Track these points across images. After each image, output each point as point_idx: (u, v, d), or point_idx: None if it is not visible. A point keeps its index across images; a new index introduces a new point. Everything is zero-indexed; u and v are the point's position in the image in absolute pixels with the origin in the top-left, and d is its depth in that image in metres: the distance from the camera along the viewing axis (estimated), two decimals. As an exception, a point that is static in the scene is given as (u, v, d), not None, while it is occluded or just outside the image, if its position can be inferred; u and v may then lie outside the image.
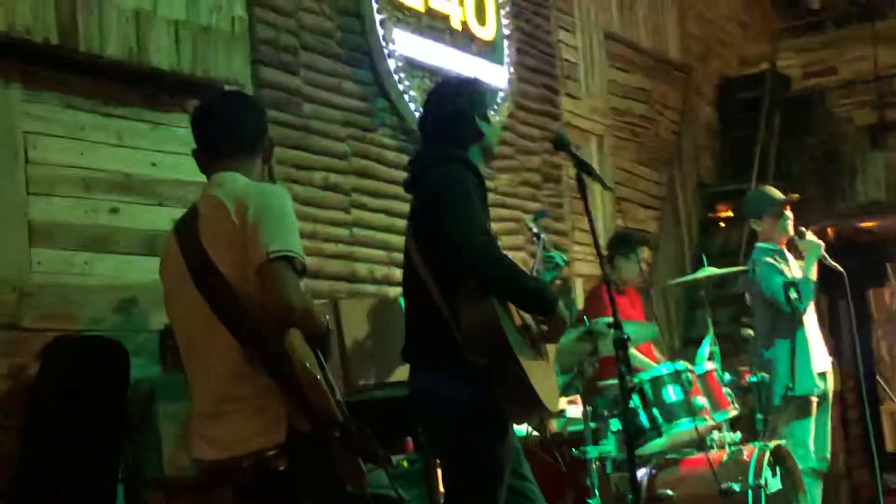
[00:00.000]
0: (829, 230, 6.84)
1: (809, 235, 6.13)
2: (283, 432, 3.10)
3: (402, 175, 6.15)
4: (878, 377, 12.12)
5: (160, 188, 4.47)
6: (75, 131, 4.15)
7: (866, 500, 10.39)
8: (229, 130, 3.31)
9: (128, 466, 3.94)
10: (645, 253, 6.58)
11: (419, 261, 3.76)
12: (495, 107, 4.00)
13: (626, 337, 4.02)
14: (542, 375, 3.83)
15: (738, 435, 5.78)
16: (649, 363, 6.29)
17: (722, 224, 9.91)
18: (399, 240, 6.19)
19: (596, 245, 4.11)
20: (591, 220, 4.03)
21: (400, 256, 6.14)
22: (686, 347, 8.54)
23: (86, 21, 4.02)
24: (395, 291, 6.01)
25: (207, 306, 3.16)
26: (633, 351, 5.90)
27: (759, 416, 6.06)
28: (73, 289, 4.08)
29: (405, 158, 6.36)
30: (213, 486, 3.17)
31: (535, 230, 5.28)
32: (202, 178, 4.60)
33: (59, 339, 3.89)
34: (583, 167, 4.05)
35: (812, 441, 6.14)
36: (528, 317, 3.87)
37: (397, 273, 6.14)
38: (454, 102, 3.88)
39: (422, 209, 3.82)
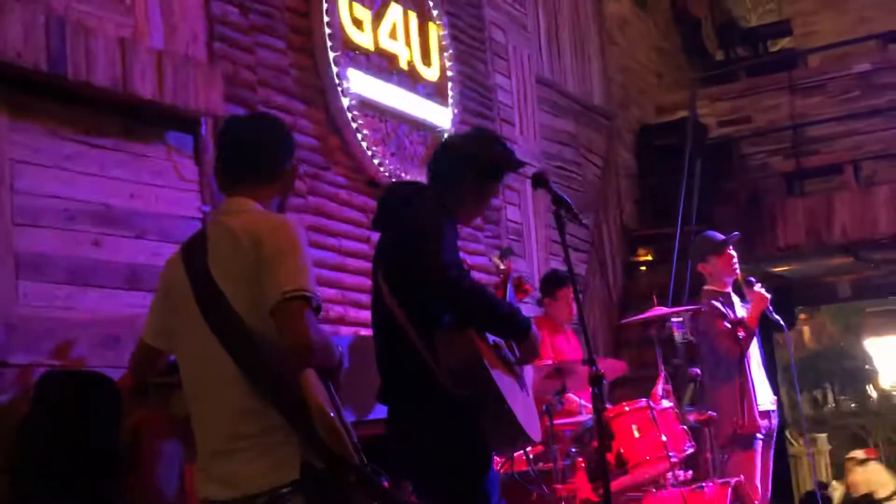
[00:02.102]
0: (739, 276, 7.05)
1: (758, 287, 6.31)
2: (297, 469, 3.04)
3: (354, 214, 6.26)
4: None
5: (140, 220, 4.37)
6: (59, 160, 4.03)
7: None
8: (248, 153, 3.23)
9: (115, 505, 3.81)
10: (568, 291, 6.66)
11: (389, 296, 3.74)
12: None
13: (601, 374, 4.07)
14: (524, 405, 3.85)
15: (690, 472, 5.87)
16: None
17: (643, 268, 10.07)
18: (351, 279, 6.16)
19: (572, 279, 4.15)
20: (567, 257, 4.07)
21: (353, 295, 6.16)
22: (614, 388, 8.61)
23: (74, 48, 3.92)
24: (347, 331, 5.96)
25: (216, 339, 3.08)
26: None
27: (707, 455, 6.20)
28: (57, 322, 3.94)
29: (357, 197, 6.37)
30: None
31: (502, 266, 5.30)
32: (183, 210, 4.58)
33: (50, 373, 3.75)
34: (560, 204, 4.09)
35: (752, 479, 6.25)
36: (500, 343, 3.88)
37: (352, 312, 6.10)
38: (470, 153, 3.91)
39: (394, 246, 3.81)
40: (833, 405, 18.13)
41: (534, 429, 3.87)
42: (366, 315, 6.04)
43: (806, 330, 17.76)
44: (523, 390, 3.96)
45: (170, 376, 3.89)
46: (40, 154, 3.96)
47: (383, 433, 3.88)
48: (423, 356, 3.66)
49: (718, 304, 6.39)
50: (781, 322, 6.41)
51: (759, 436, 6.29)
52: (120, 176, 4.28)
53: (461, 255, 6.94)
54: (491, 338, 3.82)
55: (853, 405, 18.29)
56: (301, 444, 3.01)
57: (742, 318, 6.26)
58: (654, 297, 6.48)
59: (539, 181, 4.10)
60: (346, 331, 5.96)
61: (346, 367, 3.31)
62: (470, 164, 3.92)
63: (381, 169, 6.44)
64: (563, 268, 8.01)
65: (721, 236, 6.57)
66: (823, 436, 15.40)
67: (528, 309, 7.76)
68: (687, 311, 6.63)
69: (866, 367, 18.26)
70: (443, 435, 3.69)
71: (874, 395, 18.38)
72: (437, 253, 3.58)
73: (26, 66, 3.78)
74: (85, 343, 4.04)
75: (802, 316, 16.51)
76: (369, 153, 6.36)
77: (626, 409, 5.44)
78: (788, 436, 13.64)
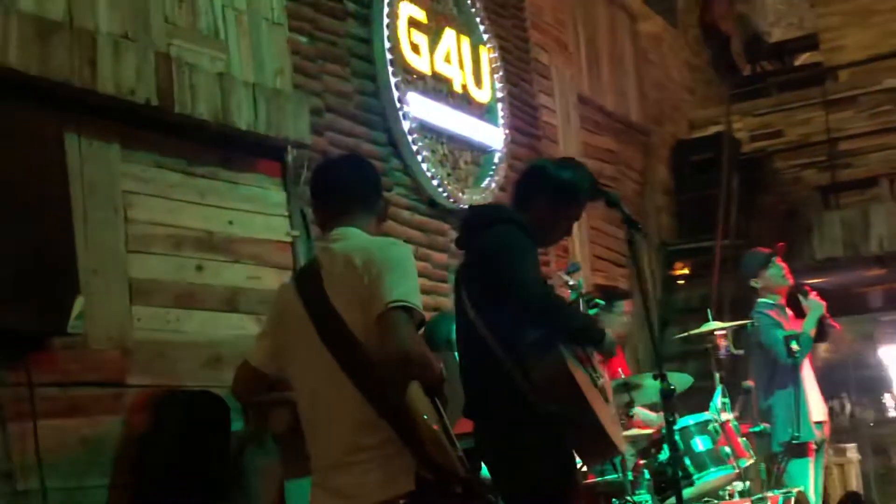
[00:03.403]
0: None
1: (812, 295, 6.47)
2: (412, 481, 3.21)
3: (414, 234, 6.43)
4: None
5: (237, 246, 4.56)
6: (165, 190, 4.23)
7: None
8: (350, 188, 3.47)
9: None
10: (627, 307, 6.80)
11: (475, 314, 3.90)
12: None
13: (672, 387, 4.24)
14: (609, 417, 4.00)
15: (748, 483, 6.01)
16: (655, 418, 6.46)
17: (681, 282, 10.23)
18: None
19: (646, 298, 4.34)
20: (641, 276, 4.25)
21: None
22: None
23: (180, 83, 4.12)
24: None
25: (333, 358, 3.26)
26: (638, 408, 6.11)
27: (762, 465, 6.35)
28: (167, 345, 4.13)
29: (417, 217, 6.55)
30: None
31: (571, 282, 5.47)
32: (274, 234, 4.76)
33: (169, 393, 3.93)
34: (632, 225, 4.27)
35: (807, 488, 6.40)
36: (580, 357, 4.04)
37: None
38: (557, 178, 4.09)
39: (478, 265, 3.98)
40: (850, 415, 18.15)
41: (620, 438, 4.03)
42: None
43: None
44: (608, 402, 4.13)
45: (268, 395, 4.08)
46: (148, 184, 4.16)
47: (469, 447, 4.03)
48: (511, 373, 3.80)
49: (773, 315, 6.55)
50: (838, 327, 6.58)
51: (813, 445, 6.45)
52: (217, 203, 4.48)
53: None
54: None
55: (871, 414, 18.31)
56: (413, 455, 3.18)
57: (797, 333, 6.42)
58: (709, 311, 6.62)
59: (611, 202, 4.29)
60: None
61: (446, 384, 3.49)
62: (552, 189, 4.09)
63: (440, 190, 6.61)
64: (615, 284, 8.27)
65: (766, 250, 6.76)
66: (853, 445, 15.46)
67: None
68: (740, 325, 6.79)
69: (882, 375, 18.31)
70: (528, 449, 3.83)
71: (891, 404, 18.42)
72: (520, 271, 3.76)
73: (139, 102, 3.97)
74: (190, 363, 4.22)
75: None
76: (428, 175, 6.54)
77: (691, 422, 5.58)
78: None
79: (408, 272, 3.26)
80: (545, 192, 4.09)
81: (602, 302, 5.47)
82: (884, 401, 18.28)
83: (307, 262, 3.51)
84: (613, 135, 9.57)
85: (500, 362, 3.83)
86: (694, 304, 9.59)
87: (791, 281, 6.67)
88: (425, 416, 3.14)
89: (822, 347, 17.85)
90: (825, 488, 12.67)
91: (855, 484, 14.56)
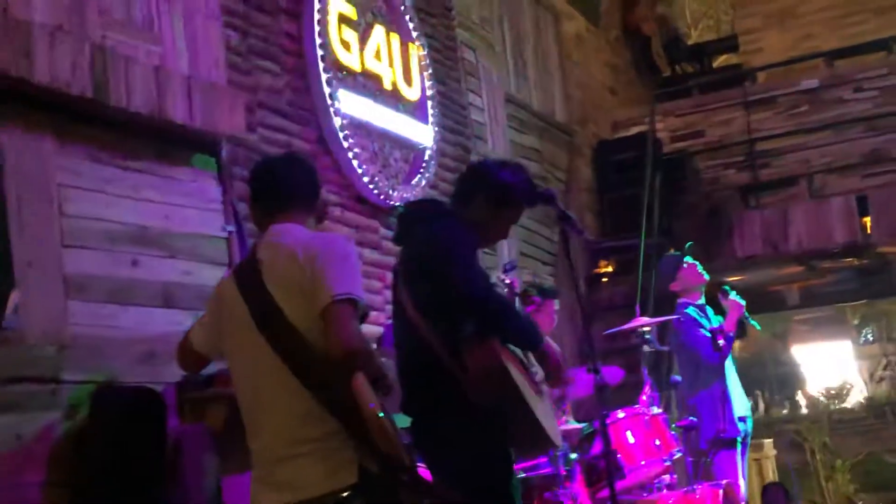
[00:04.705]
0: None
1: (733, 294, 6.61)
2: (355, 473, 3.23)
3: (345, 230, 6.42)
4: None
5: (172, 241, 4.52)
6: (100, 184, 4.18)
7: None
8: (289, 187, 3.51)
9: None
10: (556, 305, 6.87)
11: (412, 309, 3.92)
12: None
13: (606, 382, 4.31)
14: (544, 410, 4.05)
15: (674, 475, 6.12)
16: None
17: (605, 279, 10.33)
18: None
19: (578, 290, 4.41)
20: (572, 269, 4.32)
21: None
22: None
23: (116, 76, 4.08)
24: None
25: (274, 352, 3.27)
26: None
27: (690, 459, 6.47)
28: (102, 341, 4.09)
29: (348, 214, 6.54)
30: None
31: (507, 281, 5.51)
32: (210, 230, 4.73)
33: (104, 389, 3.89)
34: (566, 221, 4.32)
35: (738, 479, 6.54)
36: (519, 353, 4.09)
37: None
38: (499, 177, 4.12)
39: (417, 261, 4.00)
40: (764, 412, 18.48)
41: (556, 433, 4.07)
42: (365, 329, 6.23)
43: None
44: (542, 397, 4.17)
45: (204, 391, 4.07)
46: (83, 178, 4.11)
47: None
48: (448, 367, 3.83)
49: (695, 314, 6.70)
50: (759, 326, 6.75)
51: (738, 439, 6.59)
52: (153, 198, 4.44)
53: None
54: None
55: (785, 411, 18.66)
56: (357, 448, 3.20)
57: (721, 327, 6.55)
58: (637, 307, 6.72)
59: (546, 199, 4.34)
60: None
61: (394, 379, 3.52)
62: (491, 190, 4.11)
63: (371, 187, 6.61)
64: (540, 280, 8.33)
65: (678, 252, 6.93)
66: (769, 441, 15.78)
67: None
68: (666, 320, 6.90)
69: (795, 373, 18.68)
70: (469, 443, 3.85)
71: (804, 401, 18.80)
72: (461, 267, 3.79)
73: (74, 94, 3.93)
74: (125, 360, 4.18)
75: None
76: (359, 171, 6.53)
77: (622, 415, 5.67)
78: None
79: (351, 265, 3.29)
80: (485, 192, 4.11)
81: (539, 298, 5.52)
82: (797, 398, 18.68)
83: (246, 256, 3.49)
84: (539, 134, 9.64)
85: (438, 357, 3.85)
86: (618, 302, 9.68)
87: (706, 277, 6.82)
88: (371, 405, 3.16)
89: (737, 345, 18.21)
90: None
91: (772, 478, 14.87)
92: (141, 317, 4.29)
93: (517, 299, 5.28)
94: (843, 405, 18.14)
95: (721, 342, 6.49)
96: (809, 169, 10.17)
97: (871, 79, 10.29)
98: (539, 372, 4.17)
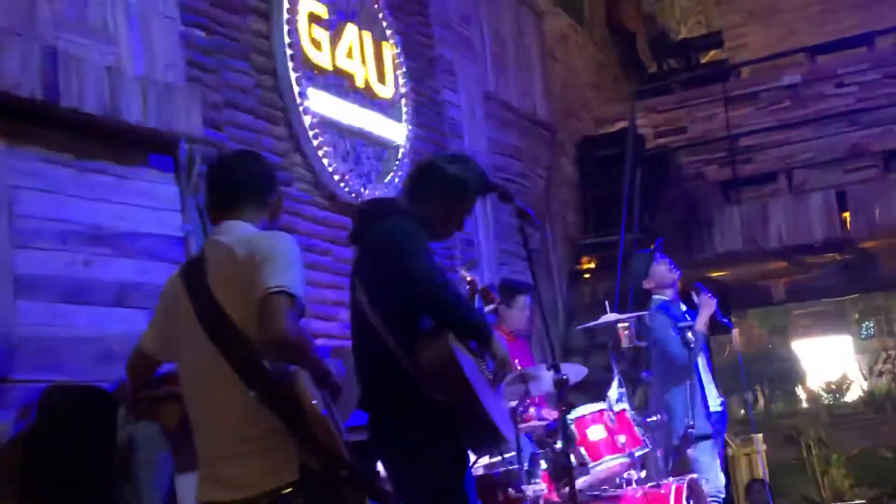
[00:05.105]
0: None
1: (705, 293, 6.64)
2: (296, 471, 3.25)
3: (317, 229, 6.45)
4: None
5: (127, 241, 4.55)
6: (53, 185, 4.20)
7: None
8: (239, 185, 3.51)
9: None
10: (524, 302, 6.90)
11: (368, 306, 3.95)
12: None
13: (566, 378, 4.34)
14: (497, 407, 4.08)
15: (644, 472, 6.14)
16: None
17: (587, 276, 10.36)
18: (315, 292, 6.34)
19: (536, 287, 4.45)
20: (532, 267, 4.36)
21: (317, 308, 6.34)
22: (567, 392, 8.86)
23: (66, 77, 4.10)
24: (318, 343, 6.12)
25: (216, 350, 3.29)
26: None
27: (657, 454, 6.50)
28: (55, 340, 4.11)
29: (319, 212, 6.56)
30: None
31: (469, 278, 5.54)
32: (166, 229, 4.75)
33: (54, 388, 3.91)
34: (524, 217, 4.35)
35: (713, 475, 6.56)
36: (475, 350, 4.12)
37: (317, 326, 6.27)
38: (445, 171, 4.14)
39: (372, 258, 4.03)
40: (763, 407, 18.51)
41: (508, 429, 4.09)
42: (330, 327, 6.26)
43: (735, 333, 18.12)
44: (497, 394, 4.19)
45: (157, 390, 4.08)
46: (35, 179, 4.13)
47: (363, 440, 4.08)
48: (402, 363, 3.86)
49: (666, 312, 6.71)
50: (731, 324, 6.78)
51: (710, 435, 6.60)
52: (108, 198, 4.47)
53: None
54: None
55: (783, 406, 18.70)
56: (297, 445, 3.22)
57: (691, 324, 6.57)
58: (606, 303, 6.74)
59: (504, 196, 4.37)
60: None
61: (343, 376, 3.54)
62: (443, 185, 4.14)
63: (342, 185, 6.64)
64: (518, 277, 8.35)
65: (647, 250, 6.95)
66: (759, 436, 15.78)
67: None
68: (637, 317, 6.92)
69: (795, 368, 18.70)
70: (421, 438, 3.89)
71: (803, 396, 18.82)
72: (415, 263, 3.83)
73: (23, 96, 3.95)
74: (79, 359, 4.20)
75: (732, 320, 16.87)
76: (330, 170, 6.56)
77: (586, 412, 5.69)
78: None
79: (290, 262, 3.29)
80: (435, 187, 4.13)
81: (496, 298, 5.53)
82: (797, 393, 18.70)
83: (194, 254, 3.51)
84: (520, 131, 9.66)
85: (392, 353, 3.88)
86: (600, 298, 9.69)
87: (677, 273, 6.83)
88: (314, 402, 3.19)
89: (737, 341, 18.27)
90: (732, 477, 12.99)
91: (761, 473, 14.89)
92: (95, 317, 4.31)
93: (477, 297, 5.31)
94: (843, 400, 18.17)
95: (691, 339, 6.50)
96: (790, 164, 10.18)
97: (852, 74, 10.30)
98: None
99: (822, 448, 16.28)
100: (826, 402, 18.22)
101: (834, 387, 18.68)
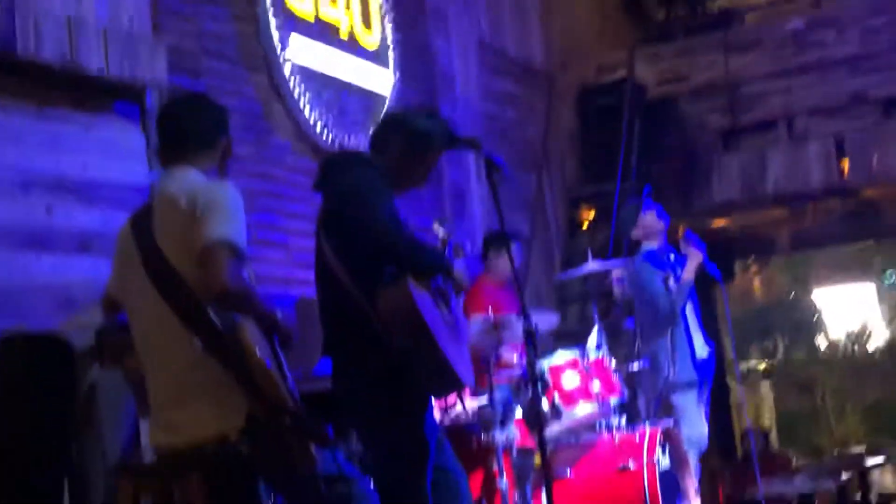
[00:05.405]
0: (680, 228, 7.42)
1: (693, 242, 6.61)
2: (243, 417, 3.29)
3: (300, 178, 6.45)
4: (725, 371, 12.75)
5: (91, 190, 4.57)
6: (13, 134, 4.22)
7: (724, 485, 10.94)
8: (186, 129, 3.51)
9: (74, 462, 4.02)
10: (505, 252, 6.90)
11: (332, 256, 3.99)
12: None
13: (534, 326, 4.35)
14: (458, 352, 4.11)
15: (622, 419, 6.16)
16: None
17: (585, 226, 10.34)
18: (298, 241, 6.36)
19: (507, 242, 4.47)
20: (500, 216, 4.37)
21: (300, 257, 6.37)
22: (558, 341, 8.89)
23: (24, 26, 4.11)
24: (297, 292, 6.16)
25: (161, 298, 3.33)
26: None
27: (640, 401, 6.52)
28: (15, 288, 4.15)
29: (302, 161, 6.57)
30: (178, 472, 3.30)
31: (441, 235, 5.53)
32: (132, 178, 4.78)
33: (9, 336, 3.95)
34: (493, 167, 4.35)
35: (695, 423, 6.57)
36: (437, 296, 4.15)
37: (299, 274, 6.30)
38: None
39: (335, 208, 4.06)
40: (783, 356, 18.47)
41: (467, 374, 4.12)
42: (311, 275, 6.28)
43: (756, 282, 18.08)
44: (458, 339, 4.22)
45: (123, 336, 4.12)
46: (-7, 128, 4.17)
47: (327, 387, 4.13)
48: (363, 308, 3.89)
49: (652, 261, 6.69)
50: (719, 275, 6.75)
51: (694, 383, 6.61)
52: (71, 147, 4.49)
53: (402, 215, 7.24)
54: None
55: (803, 355, 18.64)
56: (244, 393, 3.26)
57: (669, 273, 6.57)
58: (589, 252, 6.73)
59: (471, 144, 4.38)
60: (293, 292, 6.17)
61: (294, 325, 3.57)
62: (408, 138, 4.15)
63: (324, 135, 6.64)
64: (512, 227, 8.34)
65: (636, 199, 6.92)
66: (766, 383, 15.79)
67: (473, 266, 8.03)
68: (618, 266, 6.92)
69: (816, 317, 18.62)
70: (381, 384, 3.92)
71: (823, 345, 18.75)
72: (376, 211, 3.86)
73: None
74: (42, 307, 4.24)
75: (753, 269, 16.86)
76: (311, 120, 6.56)
77: (560, 360, 5.71)
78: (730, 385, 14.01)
79: (232, 212, 3.31)
80: (400, 139, 4.15)
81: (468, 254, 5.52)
82: (816, 342, 18.65)
83: (143, 203, 3.54)
84: (516, 80, 9.61)
85: (354, 301, 3.92)
86: (597, 248, 9.69)
87: (665, 222, 6.79)
88: (258, 352, 3.23)
89: (756, 290, 18.22)
90: (735, 425, 13.01)
91: (767, 421, 14.93)
92: (58, 265, 4.35)
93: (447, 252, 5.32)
94: (864, 349, 18.11)
95: (672, 287, 6.50)
96: (791, 112, 10.09)
97: (856, 20, 10.16)
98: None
99: (838, 397, 16.26)
100: (846, 351, 18.14)
101: (855, 336, 18.59)
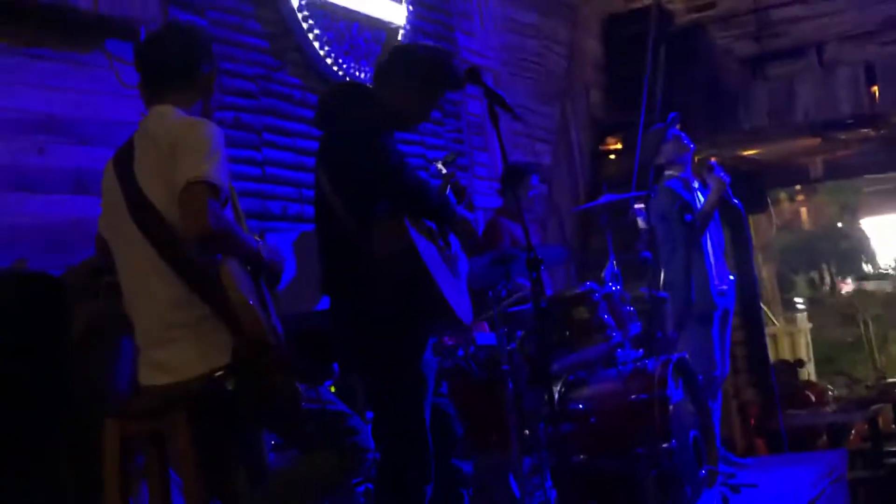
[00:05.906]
0: (712, 158, 7.28)
1: (717, 170, 6.49)
2: (228, 355, 3.27)
3: (309, 114, 6.38)
4: (760, 302, 12.65)
5: (84, 128, 4.54)
6: (1, 73, 4.18)
7: (755, 416, 10.89)
8: (159, 61, 3.45)
9: (68, 400, 4.02)
10: (528, 183, 6.82)
11: (331, 192, 3.94)
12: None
13: (540, 259, 4.28)
14: (455, 288, 4.07)
15: (640, 351, 6.10)
16: None
17: (612, 157, 10.23)
18: (309, 177, 6.30)
19: (522, 174, 4.40)
20: (503, 151, 4.30)
21: (311, 193, 6.30)
22: (581, 274, 8.83)
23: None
24: (306, 228, 6.12)
25: (144, 238, 3.31)
26: None
27: (658, 332, 6.44)
28: (7, 229, 4.13)
29: (312, 97, 6.48)
30: (166, 410, 3.29)
31: (445, 172, 5.46)
32: (126, 115, 4.73)
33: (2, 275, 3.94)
34: (494, 98, 4.27)
35: (712, 354, 6.49)
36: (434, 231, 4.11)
37: (309, 210, 6.25)
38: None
39: (334, 143, 4.01)
40: (829, 286, 18.29)
41: (464, 311, 4.08)
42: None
43: (803, 211, 17.90)
44: (455, 275, 4.18)
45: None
46: (-20, 68, 4.13)
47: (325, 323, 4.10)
48: (360, 244, 3.86)
49: (672, 188, 6.56)
50: (740, 206, 6.63)
51: (715, 314, 6.52)
52: (62, 85, 4.45)
53: (420, 150, 7.18)
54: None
55: (850, 285, 18.44)
56: (228, 331, 3.23)
57: (688, 202, 6.46)
58: (604, 184, 6.64)
59: (471, 76, 4.29)
60: (304, 228, 6.12)
61: (284, 261, 3.53)
62: (413, 74, 4.11)
63: (335, 68, 6.54)
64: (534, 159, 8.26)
65: (661, 125, 6.77)
66: (803, 315, 15.63)
67: (489, 200, 7.97)
68: (636, 196, 6.82)
69: (863, 246, 18.40)
70: (377, 319, 3.90)
71: (871, 273, 18.53)
72: (376, 148, 3.84)
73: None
74: (35, 247, 4.23)
75: (800, 197, 16.67)
76: (322, 53, 6.46)
77: (569, 293, 5.64)
78: (768, 314, 13.91)
79: (211, 151, 3.25)
80: (406, 72, 4.12)
81: (471, 198, 5.47)
82: (864, 270, 18.44)
83: (126, 142, 3.50)
84: (537, 8, 9.44)
85: (353, 238, 3.89)
86: (624, 179, 9.59)
87: (690, 148, 6.66)
88: (240, 290, 3.20)
89: (804, 219, 18.01)
90: (772, 355, 12.90)
91: (804, 352, 14.81)
92: (50, 204, 4.33)
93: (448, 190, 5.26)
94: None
95: (688, 216, 6.40)
96: (821, 39, 9.87)
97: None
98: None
99: (880, 325, 16.12)
100: (892, 280, 17.94)
101: (901, 264, 18.37)
